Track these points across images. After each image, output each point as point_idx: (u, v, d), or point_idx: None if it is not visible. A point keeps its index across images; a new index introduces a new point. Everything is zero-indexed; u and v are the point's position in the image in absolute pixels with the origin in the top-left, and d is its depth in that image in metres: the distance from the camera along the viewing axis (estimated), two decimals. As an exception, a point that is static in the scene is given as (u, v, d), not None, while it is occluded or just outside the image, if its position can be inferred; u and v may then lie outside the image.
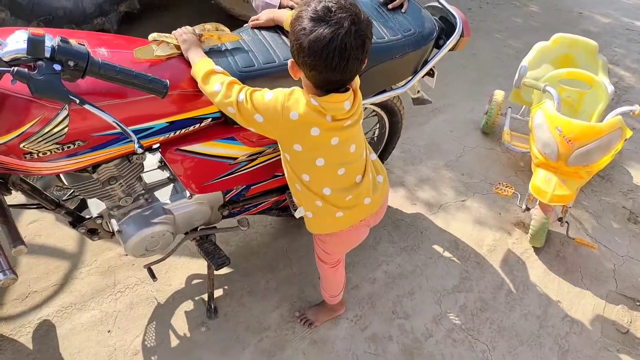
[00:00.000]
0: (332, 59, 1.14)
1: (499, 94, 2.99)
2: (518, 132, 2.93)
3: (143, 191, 1.64)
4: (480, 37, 4.23)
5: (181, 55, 1.41)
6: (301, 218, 1.60)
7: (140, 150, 1.17)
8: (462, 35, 1.85)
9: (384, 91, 1.84)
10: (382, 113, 2.14)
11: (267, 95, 1.29)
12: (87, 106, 1.07)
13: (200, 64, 1.35)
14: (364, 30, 1.17)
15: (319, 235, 1.65)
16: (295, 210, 1.61)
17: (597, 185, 2.79)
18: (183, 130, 1.44)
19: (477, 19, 4.54)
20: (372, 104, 1.98)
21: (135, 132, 1.30)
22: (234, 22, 2.93)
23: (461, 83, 3.60)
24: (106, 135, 1.30)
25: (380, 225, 2.42)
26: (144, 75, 1.13)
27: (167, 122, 1.37)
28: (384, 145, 2.35)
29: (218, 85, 1.30)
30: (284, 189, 1.92)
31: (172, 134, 1.42)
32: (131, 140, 1.23)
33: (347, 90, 1.30)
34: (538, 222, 2.26)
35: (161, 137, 1.40)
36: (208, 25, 1.49)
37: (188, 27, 1.45)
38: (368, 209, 1.56)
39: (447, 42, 1.82)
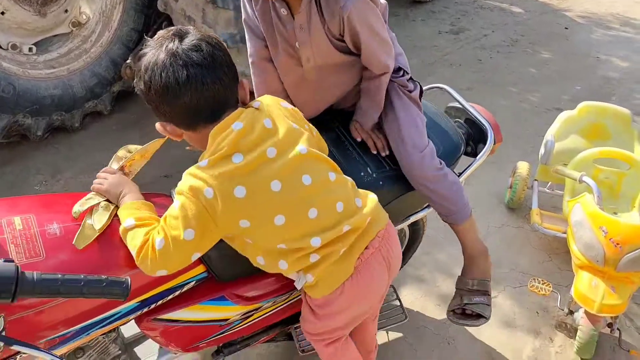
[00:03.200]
0: (180, 76, 1.00)
1: (522, 167, 2.71)
2: (548, 208, 2.64)
3: (120, 352, 1.37)
4: (494, 92, 3.99)
5: None
6: None
7: None
8: (494, 143, 1.62)
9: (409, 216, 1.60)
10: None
11: (175, 207, 1.06)
12: (15, 347, 0.83)
13: (121, 215, 1.14)
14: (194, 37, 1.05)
15: (318, 301, 1.28)
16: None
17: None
18: (160, 302, 1.18)
19: (489, 71, 4.31)
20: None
21: (96, 323, 1.05)
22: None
23: (478, 148, 3.34)
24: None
25: (402, 337, 2.12)
26: (96, 280, 0.88)
27: (137, 302, 1.12)
28: (404, 250, 2.08)
29: (132, 247, 1.09)
30: (293, 318, 1.63)
31: (146, 309, 1.17)
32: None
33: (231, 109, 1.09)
34: (586, 334, 1.95)
35: (132, 317, 1.15)
36: (121, 152, 1.28)
37: (103, 171, 1.25)
38: (351, 235, 1.21)
39: (479, 156, 1.60)
